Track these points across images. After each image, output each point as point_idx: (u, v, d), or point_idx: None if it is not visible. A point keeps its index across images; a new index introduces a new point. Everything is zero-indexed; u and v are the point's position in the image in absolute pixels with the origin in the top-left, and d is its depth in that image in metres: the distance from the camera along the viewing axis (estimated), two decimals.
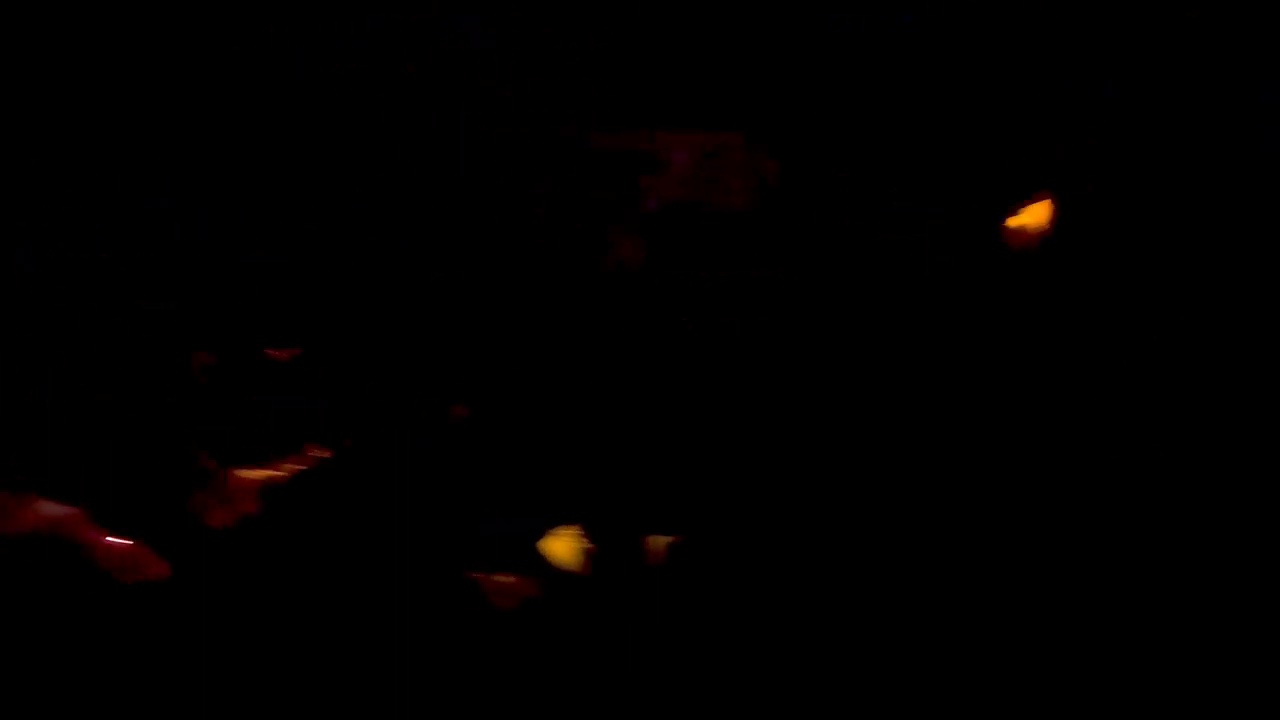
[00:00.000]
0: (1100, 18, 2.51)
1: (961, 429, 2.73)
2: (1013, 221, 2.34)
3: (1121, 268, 2.62)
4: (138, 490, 2.62)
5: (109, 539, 2.58)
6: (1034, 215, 2.36)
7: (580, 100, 2.56)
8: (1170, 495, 2.59)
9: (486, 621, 2.52)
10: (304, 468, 2.63)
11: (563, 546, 2.51)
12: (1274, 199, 2.55)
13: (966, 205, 2.61)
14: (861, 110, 2.57)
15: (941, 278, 2.69)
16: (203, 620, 2.60)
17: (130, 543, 2.56)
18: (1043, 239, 2.41)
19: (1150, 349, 2.63)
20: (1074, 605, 2.51)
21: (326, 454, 2.61)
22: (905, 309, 2.71)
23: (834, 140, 2.58)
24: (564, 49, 2.55)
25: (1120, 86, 2.54)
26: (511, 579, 2.52)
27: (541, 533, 2.54)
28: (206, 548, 2.61)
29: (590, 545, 2.52)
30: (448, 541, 2.54)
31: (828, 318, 2.73)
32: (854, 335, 2.76)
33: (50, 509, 2.58)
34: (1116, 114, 2.55)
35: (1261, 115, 2.53)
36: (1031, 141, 2.59)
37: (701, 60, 2.55)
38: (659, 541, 2.51)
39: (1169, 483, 2.59)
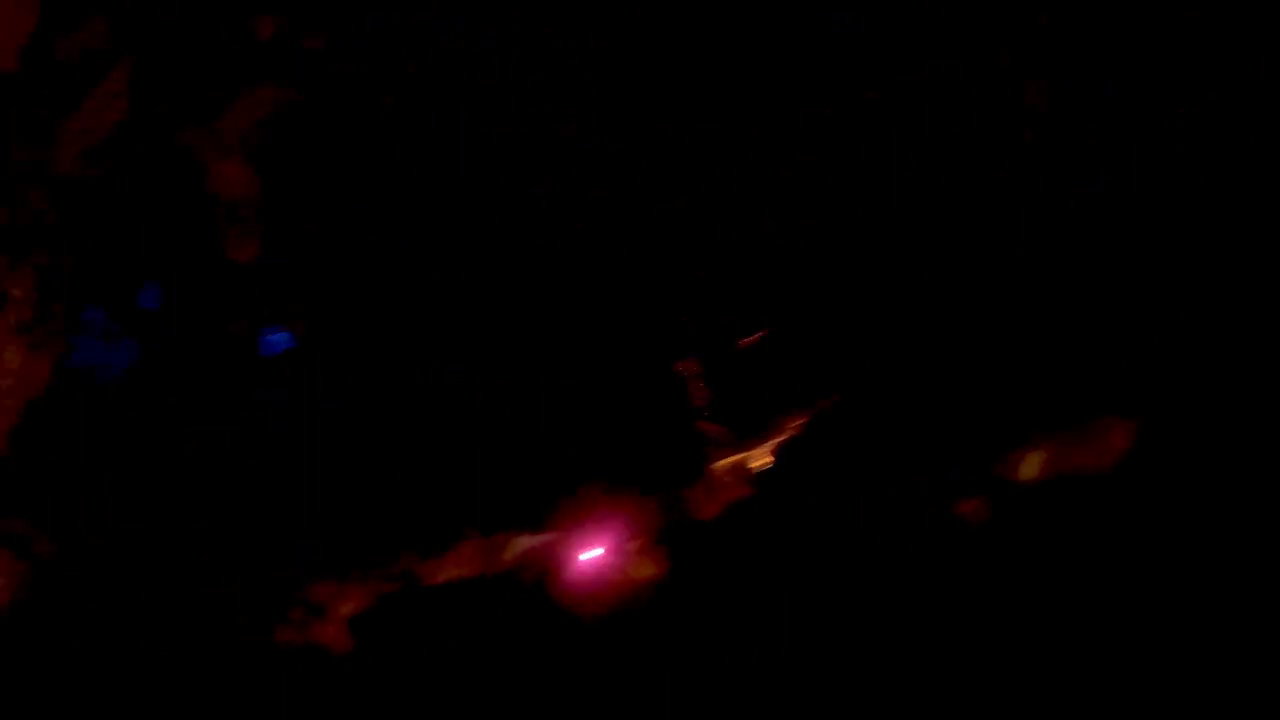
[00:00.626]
0: (1100, 18, 2.51)
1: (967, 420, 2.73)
2: None
3: (1123, 266, 2.62)
4: (625, 491, 2.60)
5: (585, 555, 2.57)
6: None
7: (580, 100, 2.56)
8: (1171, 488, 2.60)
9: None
10: (779, 443, 2.60)
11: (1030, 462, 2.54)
12: (1274, 197, 2.55)
13: (966, 205, 2.61)
14: (860, 109, 2.57)
15: (940, 276, 2.68)
16: (704, 611, 2.56)
17: (604, 553, 2.56)
18: None
19: (1150, 347, 2.63)
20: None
21: (799, 425, 2.59)
22: (904, 307, 2.71)
23: (832, 140, 2.58)
24: (564, 49, 2.55)
25: (1120, 86, 2.54)
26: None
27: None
28: (697, 540, 2.58)
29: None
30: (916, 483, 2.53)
31: (825, 316, 2.73)
32: (851, 333, 2.76)
33: (529, 540, 2.59)
34: (1116, 114, 2.55)
35: (1261, 114, 2.53)
36: (1031, 141, 2.59)
37: (700, 59, 2.56)
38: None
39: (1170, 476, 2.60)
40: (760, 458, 2.62)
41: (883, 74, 2.54)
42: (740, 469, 2.62)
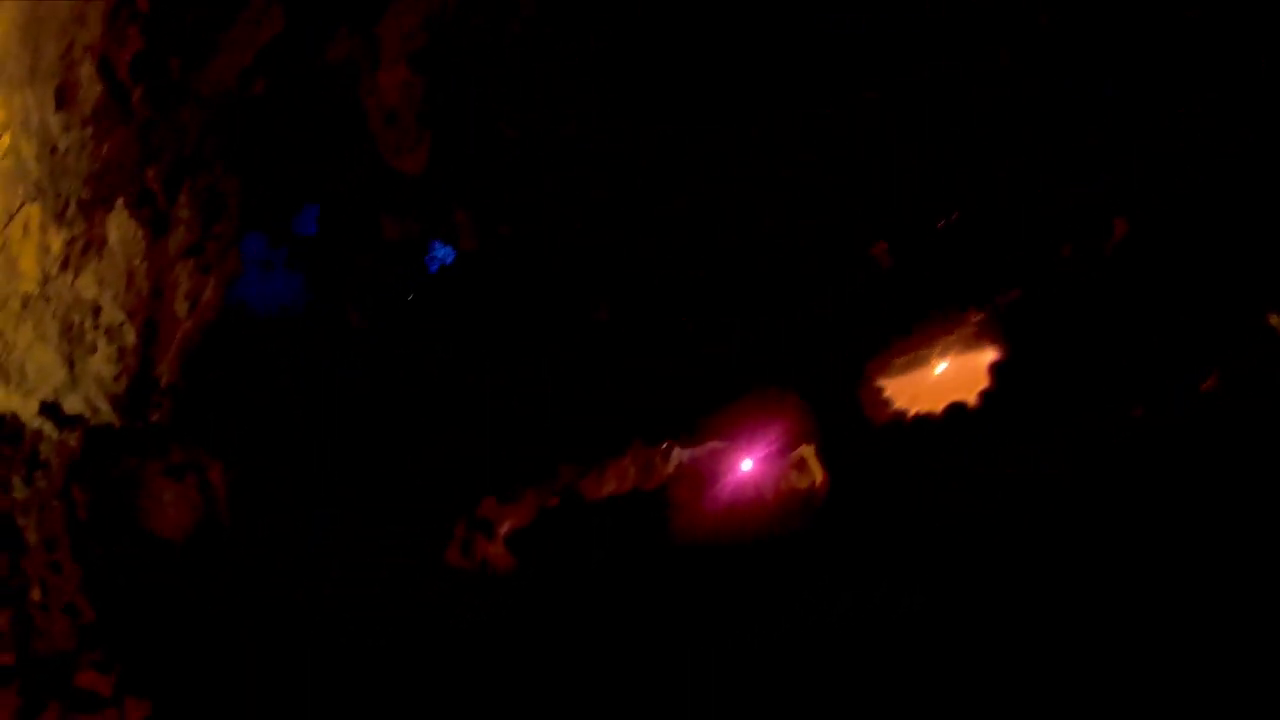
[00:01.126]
0: (1100, 18, 2.51)
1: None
2: None
3: (1125, 266, 2.62)
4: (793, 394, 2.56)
5: (742, 466, 2.57)
6: None
7: (580, 100, 2.56)
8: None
9: None
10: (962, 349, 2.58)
11: None
12: (1273, 195, 2.56)
13: (966, 205, 2.62)
14: (860, 109, 2.57)
15: (938, 274, 2.68)
16: (867, 522, 2.52)
17: (755, 464, 2.54)
18: None
19: (1150, 345, 2.63)
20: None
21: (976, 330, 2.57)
22: (903, 304, 2.71)
23: (832, 140, 2.58)
24: (564, 49, 2.55)
25: (1120, 86, 2.55)
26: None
27: None
28: (862, 448, 2.54)
29: None
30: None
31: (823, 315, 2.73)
32: (850, 328, 2.76)
33: (684, 453, 2.61)
34: (1116, 114, 2.55)
35: (1261, 114, 2.53)
36: (1032, 142, 2.59)
37: (700, 59, 2.56)
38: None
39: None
40: (934, 359, 2.59)
41: (883, 74, 2.54)
42: (912, 368, 2.58)
